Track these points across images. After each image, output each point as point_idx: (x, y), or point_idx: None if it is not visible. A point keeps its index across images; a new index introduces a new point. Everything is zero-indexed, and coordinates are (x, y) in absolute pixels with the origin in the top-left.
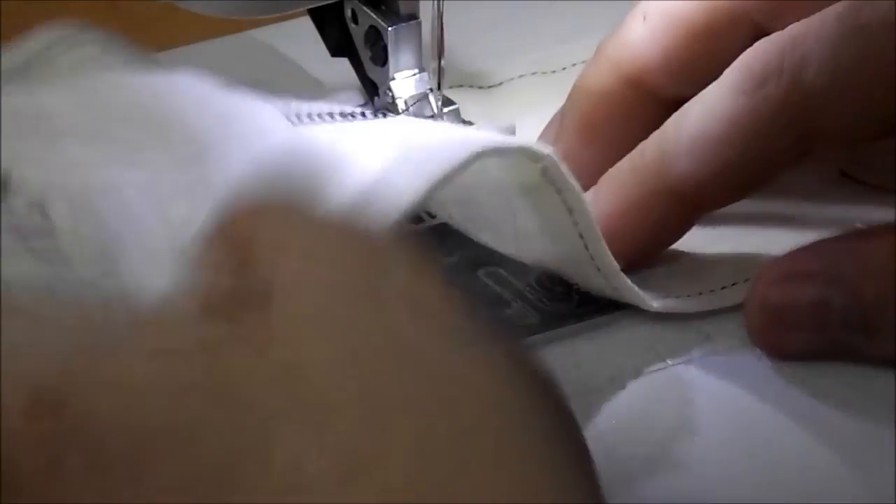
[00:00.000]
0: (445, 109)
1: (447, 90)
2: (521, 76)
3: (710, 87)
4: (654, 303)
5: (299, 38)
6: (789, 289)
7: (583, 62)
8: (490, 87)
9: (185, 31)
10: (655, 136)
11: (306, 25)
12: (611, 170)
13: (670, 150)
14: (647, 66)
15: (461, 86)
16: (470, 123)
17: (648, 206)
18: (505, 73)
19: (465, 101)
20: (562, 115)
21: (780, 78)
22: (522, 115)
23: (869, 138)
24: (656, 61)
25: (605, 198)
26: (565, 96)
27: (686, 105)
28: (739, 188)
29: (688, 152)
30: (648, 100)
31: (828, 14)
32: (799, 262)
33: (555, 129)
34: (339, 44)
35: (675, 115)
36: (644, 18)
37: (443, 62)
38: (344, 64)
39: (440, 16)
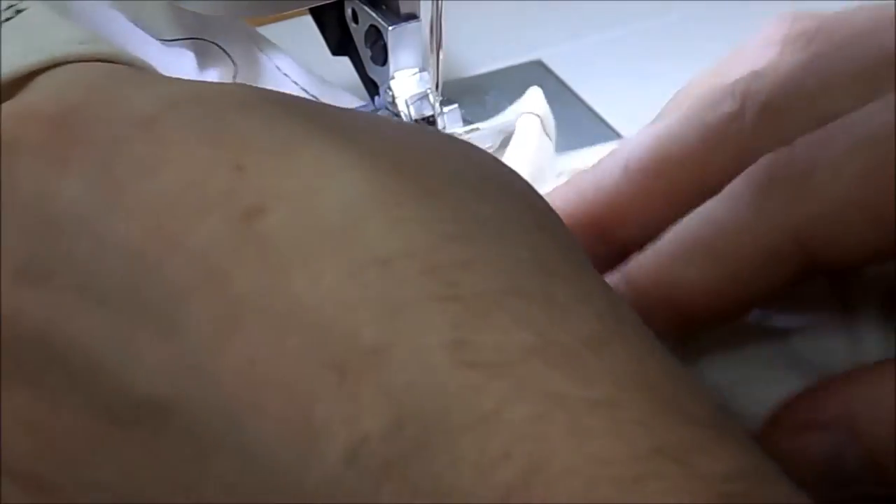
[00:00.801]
0: (445, 109)
1: (447, 89)
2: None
3: (713, 198)
4: None
5: (300, 38)
6: (803, 440)
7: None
8: (489, 85)
9: None
10: (654, 245)
11: (306, 24)
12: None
13: (666, 260)
14: (623, 222)
15: (460, 84)
16: (470, 122)
17: (644, 318)
18: (504, 71)
19: (464, 100)
20: None
21: (785, 186)
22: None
23: (873, 256)
24: (635, 219)
25: None
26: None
27: (687, 217)
28: (740, 301)
29: (686, 261)
30: (613, 248)
31: (836, 125)
32: (811, 410)
33: None
34: (340, 42)
35: (675, 227)
36: (626, 168)
37: (442, 61)
38: (344, 63)
39: (439, 15)
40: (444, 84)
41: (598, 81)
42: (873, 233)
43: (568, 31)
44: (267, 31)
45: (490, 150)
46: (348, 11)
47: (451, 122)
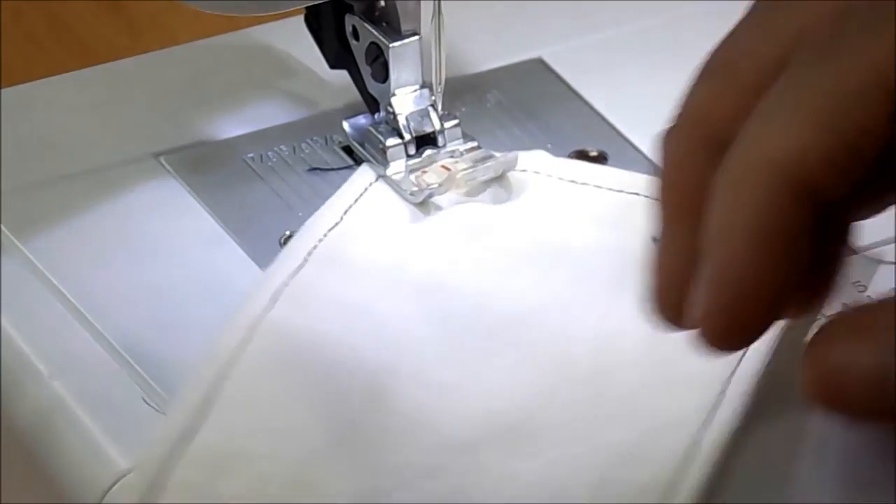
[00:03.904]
0: (447, 125)
1: (446, 88)
2: None
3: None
4: None
5: (300, 36)
6: (851, 349)
7: None
8: (489, 83)
9: (185, 29)
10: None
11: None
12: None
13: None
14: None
15: (460, 82)
16: (472, 139)
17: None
18: (504, 69)
19: (464, 98)
20: None
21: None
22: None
23: None
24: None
25: None
26: None
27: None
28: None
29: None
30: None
31: None
32: (862, 323)
33: None
34: (338, 56)
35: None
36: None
37: (443, 77)
38: None
39: (439, 34)
40: (444, 82)
41: (599, 80)
42: None
43: (569, 29)
44: (267, 29)
45: (493, 178)
46: (349, 28)
47: (451, 138)
